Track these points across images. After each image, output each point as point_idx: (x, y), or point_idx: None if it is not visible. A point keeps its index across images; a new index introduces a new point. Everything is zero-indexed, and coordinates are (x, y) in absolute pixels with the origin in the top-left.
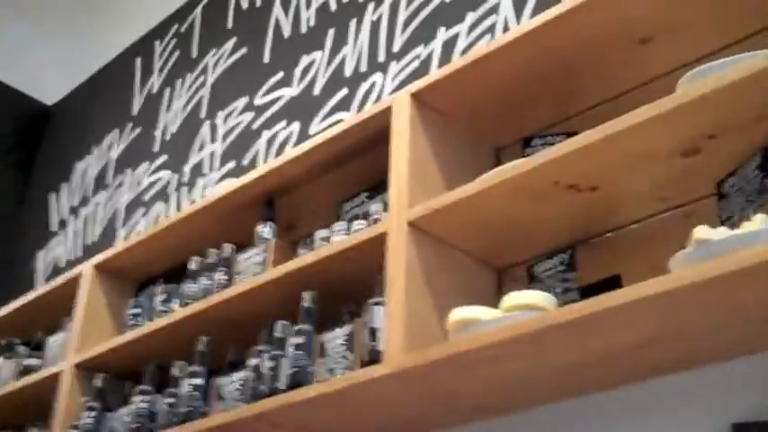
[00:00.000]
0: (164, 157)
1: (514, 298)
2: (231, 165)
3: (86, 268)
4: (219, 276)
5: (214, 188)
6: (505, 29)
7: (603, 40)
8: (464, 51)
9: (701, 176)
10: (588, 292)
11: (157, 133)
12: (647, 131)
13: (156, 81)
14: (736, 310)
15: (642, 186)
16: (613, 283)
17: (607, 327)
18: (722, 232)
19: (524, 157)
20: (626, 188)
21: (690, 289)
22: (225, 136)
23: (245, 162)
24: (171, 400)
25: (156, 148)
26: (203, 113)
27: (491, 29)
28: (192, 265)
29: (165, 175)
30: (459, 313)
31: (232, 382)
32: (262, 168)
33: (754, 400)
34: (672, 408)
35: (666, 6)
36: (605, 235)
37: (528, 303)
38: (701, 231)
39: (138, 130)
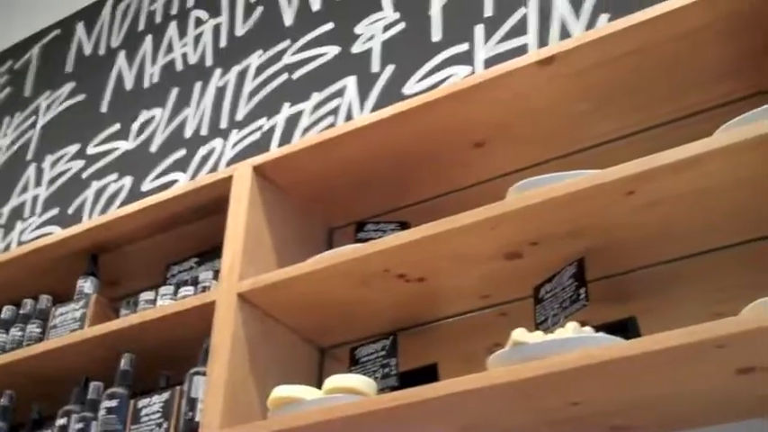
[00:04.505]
0: None
1: (337, 380)
2: (54, 212)
3: None
4: (33, 328)
5: (32, 233)
6: (348, 113)
7: (440, 140)
8: (306, 129)
9: (521, 279)
10: (406, 378)
11: None
12: (475, 233)
13: None
14: (544, 411)
15: (465, 282)
16: (430, 371)
17: (424, 416)
18: (537, 336)
19: (357, 240)
20: (451, 282)
21: (504, 387)
22: (51, 181)
23: (70, 211)
24: None
25: None
26: (30, 155)
27: (335, 111)
28: (5, 313)
29: None
30: (280, 391)
31: None
32: (90, 222)
33: None
34: None
35: (502, 115)
36: (427, 324)
37: (349, 387)
38: (519, 334)
39: None
